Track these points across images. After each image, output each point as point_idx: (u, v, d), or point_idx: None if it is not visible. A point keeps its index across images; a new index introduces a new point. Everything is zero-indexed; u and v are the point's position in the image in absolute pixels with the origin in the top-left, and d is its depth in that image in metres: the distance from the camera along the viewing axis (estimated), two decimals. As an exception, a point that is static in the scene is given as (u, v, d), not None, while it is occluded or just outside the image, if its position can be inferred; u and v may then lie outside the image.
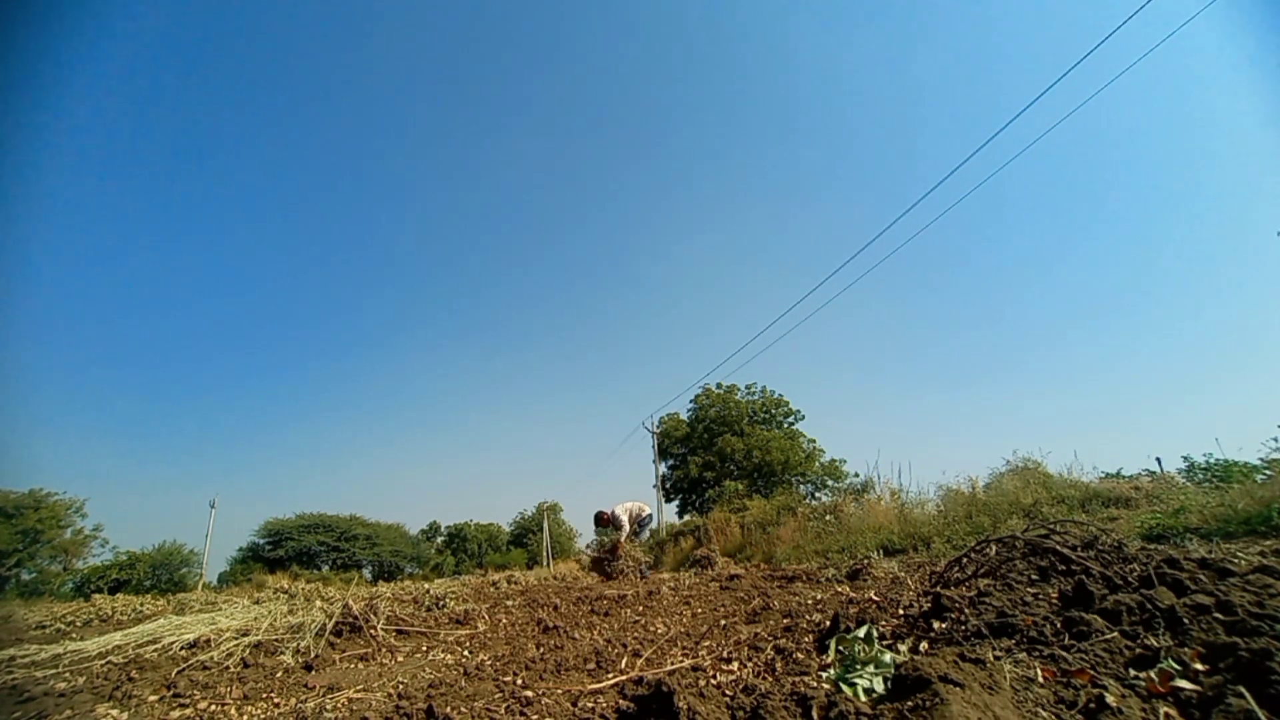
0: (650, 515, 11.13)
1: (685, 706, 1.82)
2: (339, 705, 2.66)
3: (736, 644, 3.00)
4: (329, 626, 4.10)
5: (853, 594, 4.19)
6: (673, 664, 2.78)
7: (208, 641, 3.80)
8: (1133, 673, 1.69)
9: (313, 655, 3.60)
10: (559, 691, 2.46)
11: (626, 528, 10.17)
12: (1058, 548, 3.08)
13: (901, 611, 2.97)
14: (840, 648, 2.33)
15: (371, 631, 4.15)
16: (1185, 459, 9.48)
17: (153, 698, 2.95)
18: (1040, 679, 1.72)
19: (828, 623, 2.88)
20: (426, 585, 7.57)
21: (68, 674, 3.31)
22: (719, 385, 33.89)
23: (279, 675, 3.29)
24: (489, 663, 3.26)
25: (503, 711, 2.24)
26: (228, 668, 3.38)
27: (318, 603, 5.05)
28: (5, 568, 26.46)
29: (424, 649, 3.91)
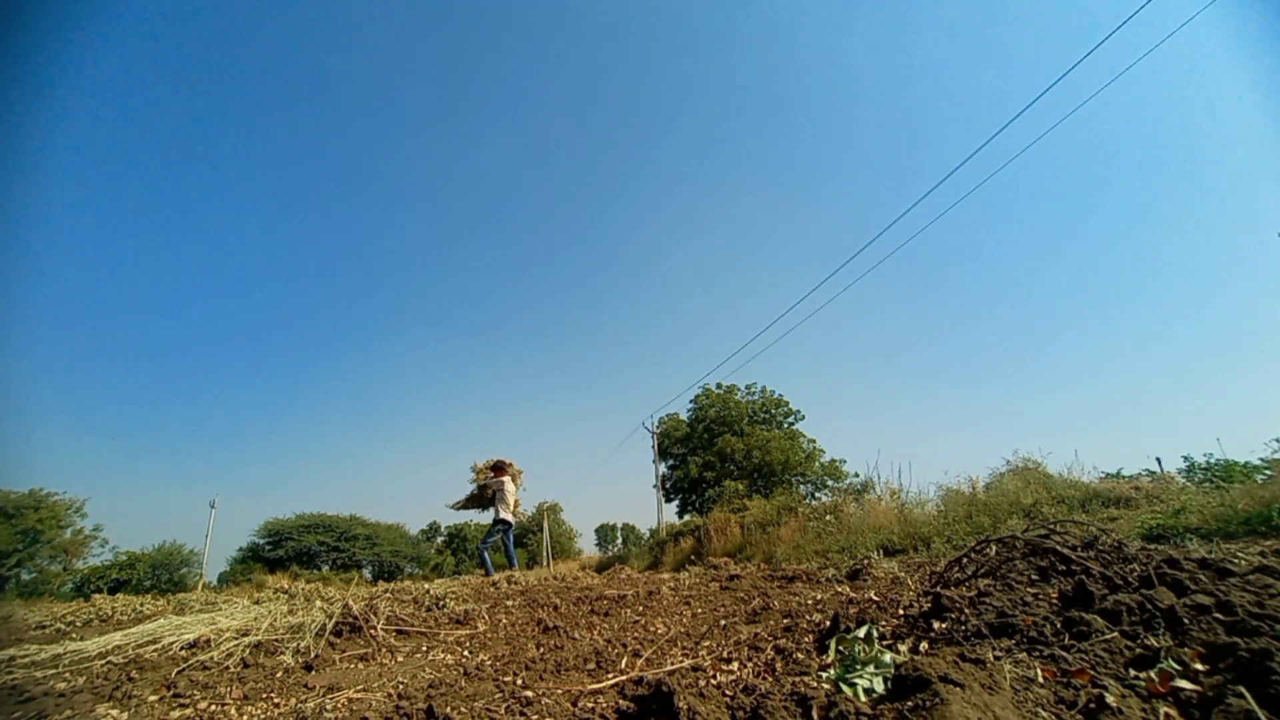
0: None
1: (685, 707, 1.82)
2: (339, 705, 2.66)
3: (736, 644, 3.00)
4: (329, 626, 4.09)
5: (853, 594, 4.19)
6: (673, 664, 2.78)
7: (208, 641, 3.80)
8: (1133, 673, 1.69)
9: (313, 655, 3.60)
10: (559, 691, 2.46)
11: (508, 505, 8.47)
12: (1058, 548, 3.08)
13: (901, 611, 2.97)
14: (840, 648, 2.32)
15: (371, 631, 4.15)
16: (1185, 459, 9.50)
17: (153, 698, 2.95)
18: (1040, 679, 1.72)
19: (828, 623, 2.88)
20: (426, 585, 7.56)
21: (68, 674, 3.31)
22: (719, 385, 33.87)
23: (279, 675, 3.28)
24: (489, 663, 3.26)
25: (503, 711, 2.24)
26: (228, 668, 3.38)
27: (318, 603, 5.05)
28: (5, 568, 26.45)
29: (424, 649, 3.91)
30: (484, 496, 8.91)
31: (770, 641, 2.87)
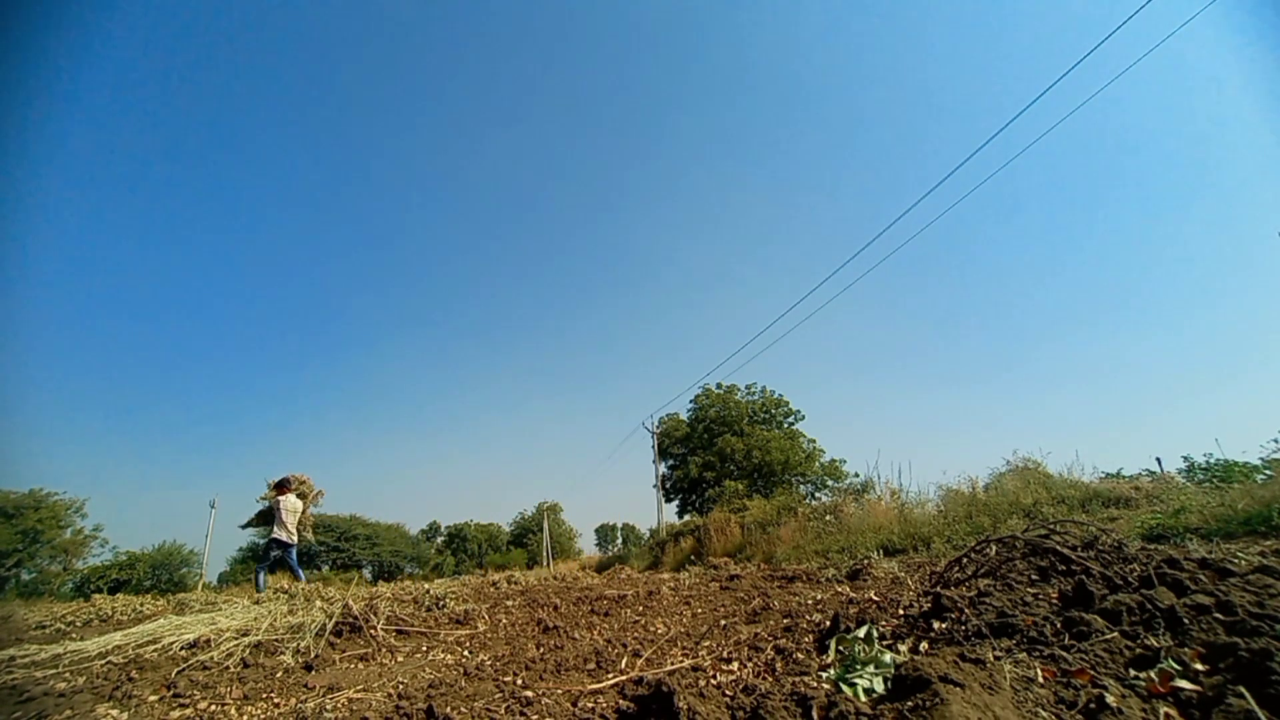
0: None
1: (685, 706, 1.82)
2: (339, 705, 2.66)
3: (736, 644, 3.00)
4: (329, 626, 4.09)
5: (853, 594, 4.19)
6: (673, 664, 2.78)
7: (208, 641, 3.80)
8: (1133, 673, 1.69)
9: (313, 655, 3.60)
10: (559, 691, 2.46)
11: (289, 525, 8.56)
12: (1058, 548, 3.08)
13: (901, 611, 2.97)
14: (840, 648, 2.32)
15: (371, 631, 4.14)
16: (1185, 459, 9.49)
17: (153, 698, 2.94)
18: (1040, 679, 1.72)
19: (828, 623, 2.88)
20: (426, 585, 7.55)
21: (68, 674, 3.31)
22: (719, 385, 33.87)
23: (279, 675, 3.28)
24: (489, 663, 3.26)
25: (503, 711, 2.24)
26: (228, 668, 3.38)
27: (318, 603, 5.05)
28: (5, 568, 26.45)
29: (424, 649, 3.91)
30: (270, 514, 9.11)
31: (770, 641, 2.87)
